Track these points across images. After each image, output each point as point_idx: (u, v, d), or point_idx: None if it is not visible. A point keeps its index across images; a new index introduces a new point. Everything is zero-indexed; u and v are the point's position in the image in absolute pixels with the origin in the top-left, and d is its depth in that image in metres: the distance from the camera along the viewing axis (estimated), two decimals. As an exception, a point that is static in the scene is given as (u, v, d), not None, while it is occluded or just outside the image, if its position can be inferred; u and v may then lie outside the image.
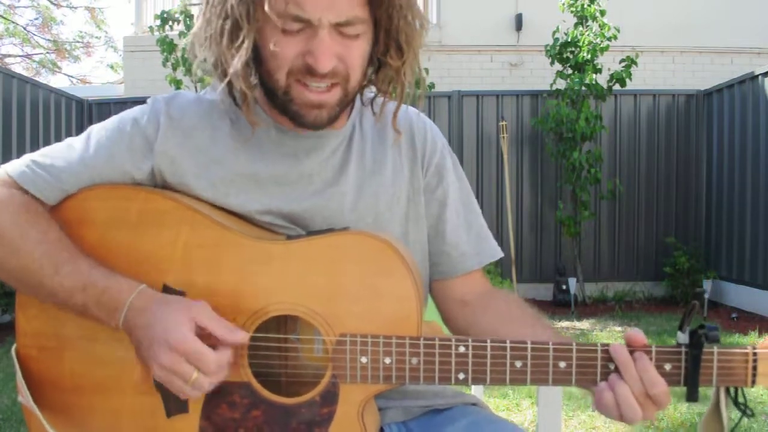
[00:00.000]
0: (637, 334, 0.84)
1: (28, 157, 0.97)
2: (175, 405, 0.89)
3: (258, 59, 0.90)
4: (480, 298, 1.06)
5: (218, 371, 0.83)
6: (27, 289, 0.92)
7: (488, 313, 1.02)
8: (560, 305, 5.91)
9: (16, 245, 0.89)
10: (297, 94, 0.90)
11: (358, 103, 1.03)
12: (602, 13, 5.80)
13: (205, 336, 0.83)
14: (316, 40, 0.85)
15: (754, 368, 0.82)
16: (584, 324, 5.20)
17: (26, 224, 0.90)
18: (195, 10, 5.98)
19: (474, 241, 1.09)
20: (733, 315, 5.45)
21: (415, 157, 1.06)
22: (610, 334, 4.78)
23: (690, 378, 0.82)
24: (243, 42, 0.85)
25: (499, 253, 1.12)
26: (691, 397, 0.82)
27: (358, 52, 0.90)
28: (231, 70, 0.86)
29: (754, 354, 0.82)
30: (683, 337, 0.83)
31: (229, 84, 0.91)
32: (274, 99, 0.93)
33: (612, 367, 0.84)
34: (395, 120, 1.01)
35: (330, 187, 0.99)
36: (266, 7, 0.82)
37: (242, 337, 0.85)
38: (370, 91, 1.01)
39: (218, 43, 0.87)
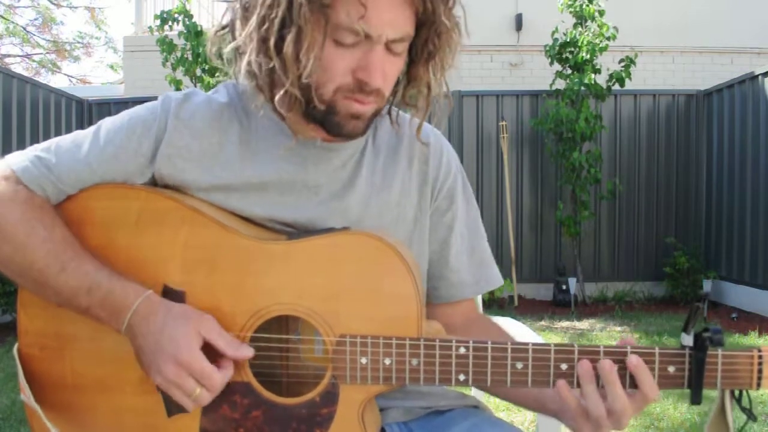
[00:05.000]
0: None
1: (32, 152, 0.95)
2: (175, 404, 0.89)
3: None
4: (466, 322, 1.07)
5: (217, 391, 0.85)
6: (31, 286, 0.92)
7: (468, 333, 1.02)
8: (560, 305, 5.91)
9: (22, 243, 0.89)
10: (342, 107, 0.89)
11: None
12: (601, 13, 5.80)
13: (209, 351, 0.84)
14: (371, 54, 0.85)
15: (759, 371, 0.81)
16: (584, 324, 5.20)
17: (32, 221, 0.89)
18: (195, 10, 5.96)
19: (475, 269, 1.09)
20: (733, 315, 5.45)
21: (426, 179, 1.05)
22: (610, 335, 4.78)
23: (694, 381, 0.82)
24: (311, 49, 0.82)
25: (500, 281, 1.11)
26: (695, 400, 0.82)
27: (396, 68, 0.90)
28: (304, 80, 0.84)
29: (760, 356, 0.81)
30: (687, 339, 0.82)
31: (272, 88, 0.88)
32: (312, 110, 0.91)
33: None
34: (419, 132, 1.01)
35: (335, 200, 0.99)
36: (340, 18, 0.81)
37: (247, 352, 0.86)
38: (387, 103, 1.00)
39: (278, 50, 0.84)
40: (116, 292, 0.86)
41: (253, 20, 0.85)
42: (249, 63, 0.87)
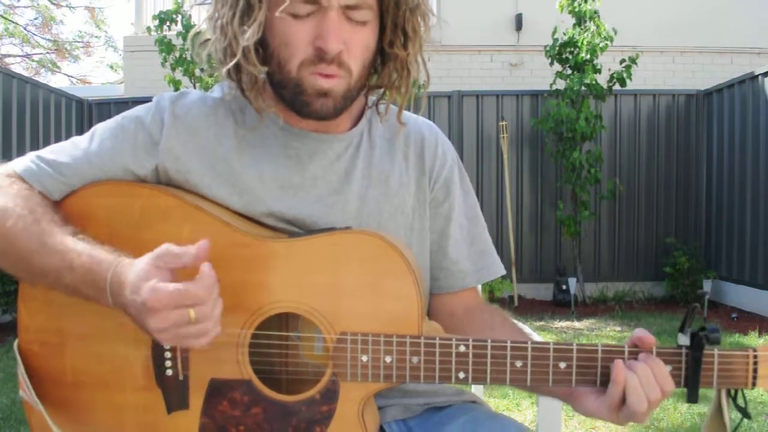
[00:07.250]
0: (646, 337, 0.85)
1: (33, 154, 0.98)
2: (175, 401, 0.89)
3: (267, 51, 0.92)
4: (467, 311, 1.07)
5: (210, 298, 0.77)
6: (23, 274, 0.91)
7: (471, 324, 1.03)
8: (560, 305, 5.92)
9: (6, 228, 0.88)
10: (309, 83, 0.91)
11: (367, 111, 1.04)
12: (595, 12, 5.80)
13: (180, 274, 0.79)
14: (325, 21, 0.87)
15: (755, 370, 0.82)
16: (584, 324, 5.20)
17: (19, 208, 0.88)
18: (194, 10, 5.99)
19: (475, 258, 1.09)
20: (733, 315, 5.45)
21: (423, 170, 1.06)
22: (610, 335, 4.78)
23: (690, 380, 0.82)
24: (255, 19, 0.87)
25: (501, 270, 1.11)
26: (692, 398, 0.82)
27: (362, 40, 0.91)
28: (243, 44, 0.87)
29: (755, 356, 0.82)
30: (684, 339, 0.83)
31: (237, 71, 0.91)
32: (282, 91, 0.94)
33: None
34: (400, 114, 1.02)
35: (334, 194, 0.99)
36: None
37: (203, 243, 0.79)
38: (374, 95, 1.02)
39: (230, 24, 0.88)
40: (94, 269, 0.83)
41: (211, 10, 0.91)
42: (212, 51, 0.92)
